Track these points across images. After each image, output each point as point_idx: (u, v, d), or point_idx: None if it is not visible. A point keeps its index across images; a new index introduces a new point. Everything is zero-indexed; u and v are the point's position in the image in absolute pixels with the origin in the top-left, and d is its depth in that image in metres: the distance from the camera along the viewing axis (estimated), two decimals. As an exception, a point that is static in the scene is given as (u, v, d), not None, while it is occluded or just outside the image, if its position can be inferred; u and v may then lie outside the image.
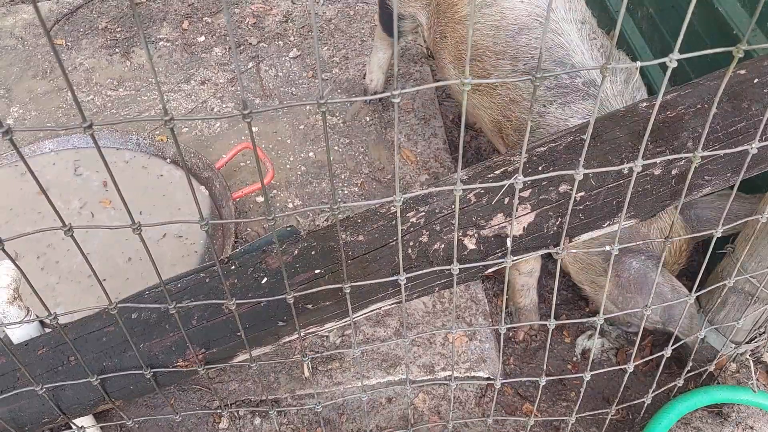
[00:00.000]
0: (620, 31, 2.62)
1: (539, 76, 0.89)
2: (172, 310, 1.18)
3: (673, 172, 1.19)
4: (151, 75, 3.15)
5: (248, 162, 2.77)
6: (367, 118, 2.98)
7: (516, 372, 2.18)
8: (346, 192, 2.71)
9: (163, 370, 1.30)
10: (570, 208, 1.12)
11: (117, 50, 3.25)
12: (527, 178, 1.07)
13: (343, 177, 2.76)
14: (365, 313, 1.33)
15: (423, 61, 3.23)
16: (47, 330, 1.52)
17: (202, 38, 3.36)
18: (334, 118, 2.98)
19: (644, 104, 1.26)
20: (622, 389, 1.72)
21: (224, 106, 3.03)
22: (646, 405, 1.78)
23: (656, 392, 1.72)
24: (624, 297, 1.78)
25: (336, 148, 2.87)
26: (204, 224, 1.00)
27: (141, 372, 1.29)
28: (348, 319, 1.32)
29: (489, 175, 1.25)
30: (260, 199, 2.65)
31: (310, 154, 2.84)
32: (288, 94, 3.10)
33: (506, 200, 1.22)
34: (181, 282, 1.37)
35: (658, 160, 1.08)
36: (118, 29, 3.36)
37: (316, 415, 2.01)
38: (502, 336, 1.92)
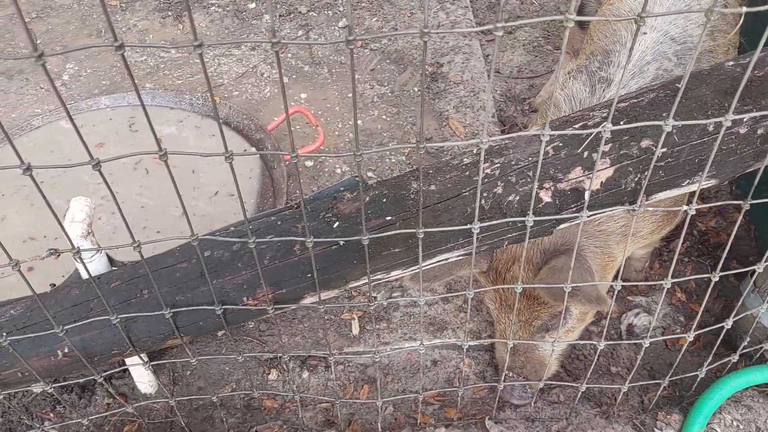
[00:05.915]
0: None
1: (644, 15, 0.89)
2: (251, 244, 1.20)
3: (759, 131, 1.17)
4: (203, 38, 3.17)
5: (298, 127, 2.79)
6: (416, 89, 2.98)
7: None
8: (393, 160, 2.72)
9: (233, 307, 1.32)
10: (653, 163, 1.11)
11: (170, 13, 3.28)
12: (614, 127, 1.07)
13: (390, 146, 2.76)
14: (433, 263, 1.34)
15: (473, 35, 3.21)
16: (114, 269, 1.56)
17: (253, 5, 3.37)
18: (382, 87, 2.99)
19: (731, 63, 1.24)
20: (677, 363, 1.72)
21: (273, 71, 3.04)
22: (698, 380, 1.77)
23: (709, 366, 1.71)
24: None
25: (384, 117, 2.88)
26: (228, 156, 1.03)
27: (212, 308, 1.31)
28: (416, 267, 1.33)
29: (568, 129, 1.24)
30: (309, 163, 2.67)
31: (359, 121, 2.85)
32: (337, 62, 3.11)
33: (585, 154, 1.21)
34: (252, 224, 1.39)
35: (747, 116, 1.07)
36: (172, -7, 3.39)
37: (362, 373, 2.03)
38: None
